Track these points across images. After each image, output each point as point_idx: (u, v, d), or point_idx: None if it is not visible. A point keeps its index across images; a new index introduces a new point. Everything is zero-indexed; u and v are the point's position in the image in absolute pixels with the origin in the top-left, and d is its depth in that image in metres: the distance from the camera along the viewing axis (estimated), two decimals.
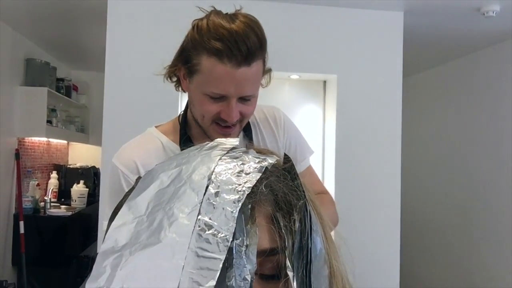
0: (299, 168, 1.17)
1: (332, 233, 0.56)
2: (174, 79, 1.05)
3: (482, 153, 3.29)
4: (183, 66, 0.97)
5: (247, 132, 1.11)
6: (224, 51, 0.86)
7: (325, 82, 2.96)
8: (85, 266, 3.93)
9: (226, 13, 0.91)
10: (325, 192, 1.21)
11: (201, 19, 0.91)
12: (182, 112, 1.11)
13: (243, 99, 0.94)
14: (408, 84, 3.66)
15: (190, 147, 0.95)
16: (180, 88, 1.05)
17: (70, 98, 4.31)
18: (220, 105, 0.94)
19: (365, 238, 2.57)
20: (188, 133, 1.07)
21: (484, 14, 2.62)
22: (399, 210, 2.73)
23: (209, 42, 0.87)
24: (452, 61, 3.76)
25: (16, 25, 3.31)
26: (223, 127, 0.98)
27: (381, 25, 2.79)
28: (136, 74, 2.57)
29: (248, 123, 1.10)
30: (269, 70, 1.01)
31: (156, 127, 1.13)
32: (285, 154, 0.51)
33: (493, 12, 2.58)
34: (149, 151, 1.05)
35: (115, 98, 2.55)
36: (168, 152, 1.05)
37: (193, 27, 0.93)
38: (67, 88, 4.26)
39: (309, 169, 1.21)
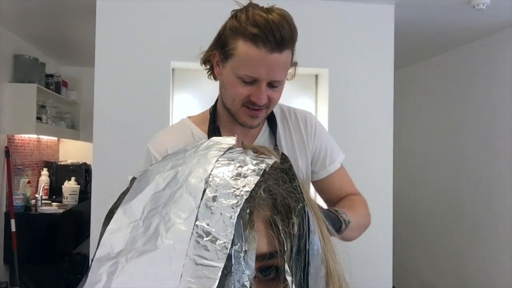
0: (328, 170, 1.20)
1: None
2: (208, 66, 1.11)
3: (474, 145, 3.32)
4: (218, 51, 1.04)
5: (272, 126, 1.16)
6: (260, 36, 0.94)
7: (317, 76, 2.95)
8: (78, 263, 3.90)
9: (263, 6, 1.00)
10: (356, 194, 1.22)
11: (240, 10, 1.00)
12: (213, 104, 1.18)
13: (271, 85, 1.01)
14: (400, 77, 3.67)
15: (218, 134, 0.95)
16: (211, 76, 1.12)
17: (59, 94, 4.26)
18: (250, 89, 1.00)
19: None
20: (217, 122, 1.14)
21: (474, 6, 2.62)
22: (391, 202, 2.75)
23: (246, 29, 0.95)
24: (443, 53, 3.77)
25: (4, 21, 3.26)
26: (251, 110, 1.04)
27: (372, 18, 2.78)
28: (126, 69, 2.55)
29: (275, 118, 1.16)
30: (295, 64, 1.09)
31: (189, 117, 1.20)
32: (282, 154, 0.51)
33: (484, 4, 2.59)
34: (180, 139, 1.11)
35: (105, 94, 2.53)
36: (197, 141, 1.09)
37: (232, 16, 1.01)
38: (56, 84, 4.21)
39: (340, 172, 1.23)
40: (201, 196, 0.41)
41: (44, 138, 4.39)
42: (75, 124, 4.77)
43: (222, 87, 1.09)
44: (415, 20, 3.01)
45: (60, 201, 3.96)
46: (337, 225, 0.96)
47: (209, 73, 1.12)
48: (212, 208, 0.40)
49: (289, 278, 0.40)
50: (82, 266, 3.87)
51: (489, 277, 3.04)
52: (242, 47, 0.96)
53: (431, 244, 3.83)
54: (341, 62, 2.76)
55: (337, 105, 2.75)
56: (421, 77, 4.13)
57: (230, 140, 0.51)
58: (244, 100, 1.02)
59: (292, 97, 2.93)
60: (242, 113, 1.05)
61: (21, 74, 3.63)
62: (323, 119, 2.81)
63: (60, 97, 4.30)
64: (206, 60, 1.10)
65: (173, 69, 2.64)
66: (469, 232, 3.31)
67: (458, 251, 3.43)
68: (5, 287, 3.35)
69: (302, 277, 0.42)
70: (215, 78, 1.11)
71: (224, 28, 1.02)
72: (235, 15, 1.00)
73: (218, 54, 1.04)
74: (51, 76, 4.14)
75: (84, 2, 2.74)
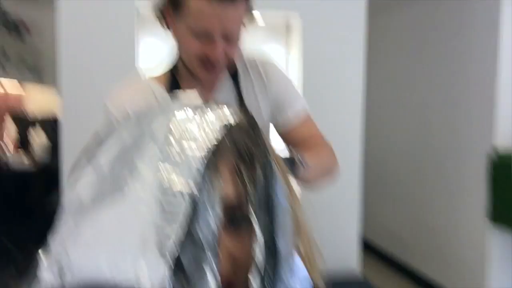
0: (290, 118, 1.18)
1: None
2: (162, 21, 1.06)
3: (443, 98, 3.36)
4: (169, 3, 0.99)
5: (234, 76, 1.14)
6: None
7: (287, 26, 2.89)
8: (49, 217, 3.89)
9: None
10: (322, 140, 1.20)
11: None
12: (172, 61, 1.14)
13: (227, 39, 0.98)
14: (374, 26, 3.63)
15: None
16: (165, 26, 1.07)
17: (20, 37, 4.01)
18: (204, 43, 0.97)
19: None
20: (177, 77, 1.11)
21: None
22: (360, 153, 2.79)
23: None
24: (416, 2, 3.71)
25: None
26: (208, 66, 1.01)
27: None
28: (90, 11, 2.42)
29: (236, 69, 1.14)
30: (252, 10, 1.04)
31: (151, 76, 1.16)
32: (243, 107, 0.51)
33: None
34: (138, 94, 1.09)
35: (69, 38, 2.41)
36: (157, 96, 1.09)
37: None
38: (16, 27, 3.94)
39: (305, 121, 1.20)
40: (164, 142, 0.41)
41: (7, 86, 4.21)
42: (39, 70, 4.50)
43: (177, 43, 1.06)
44: None
45: (30, 155, 3.89)
46: (294, 167, 0.96)
47: (162, 24, 1.08)
48: (176, 154, 0.40)
49: (254, 222, 0.42)
50: (54, 218, 3.85)
51: (453, 227, 3.18)
52: (193, 0, 0.93)
53: (398, 195, 3.95)
54: (312, 6, 2.69)
55: (308, 54, 2.72)
56: (394, 27, 4.09)
57: (192, 94, 0.51)
58: (200, 56, 1.00)
59: (263, 44, 2.88)
60: (199, 69, 1.03)
61: None
62: (294, 67, 2.80)
63: (21, 41, 4.04)
64: (158, 14, 1.05)
65: (139, 13, 2.52)
66: (435, 184, 3.42)
67: (424, 202, 3.55)
68: None
69: (269, 223, 0.43)
70: (158, 20, 1.07)
71: None
72: None
73: (169, 7, 1.01)
74: (10, 17, 3.85)
75: None
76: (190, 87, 1.09)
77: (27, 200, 3.58)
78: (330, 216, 2.70)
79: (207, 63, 1.01)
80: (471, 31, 3.03)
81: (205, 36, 0.96)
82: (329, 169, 1.15)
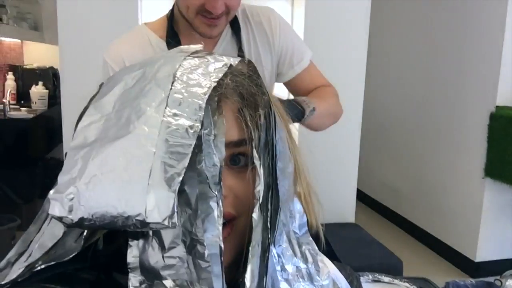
0: (296, 70, 1.19)
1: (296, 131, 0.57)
2: None
3: (447, 54, 3.34)
4: None
5: (236, 30, 1.12)
6: None
7: None
8: (52, 167, 3.93)
9: None
10: (326, 85, 1.22)
11: None
12: (170, 9, 1.12)
13: None
14: None
15: (176, 42, 0.94)
16: None
17: None
18: None
19: (324, 132, 2.66)
20: (175, 28, 1.09)
21: None
22: (361, 106, 2.80)
23: None
24: None
25: None
26: (208, 19, 0.99)
27: None
28: None
29: (238, 21, 1.11)
30: None
31: (145, 24, 1.15)
32: (246, 59, 0.52)
33: None
34: (136, 46, 1.08)
35: None
36: (155, 47, 1.08)
37: None
38: None
39: (309, 69, 1.21)
40: (170, 87, 0.42)
41: (6, 40, 4.16)
42: (38, 25, 4.49)
43: None
44: None
45: (29, 106, 3.88)
46: (299, 113, 0.98)
47: None
48: (181, 97, 0.41)
49: (257, 163, 0.43)
50: (56, 169, 3.89)
51: (450, 181, 3.24)
52: None
53: (396, 149, 4.00)
54: None
55: (313, 5, 2.67)
56: None
57: (197, 46, 0.51)
58: (199, 9, 0.97)
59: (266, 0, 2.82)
60: (198, 23, 1.01)
61: None
62: (299, 20, 2.75)
63: None
64: None
65: None
66: (433, 139, 3.46)
67: (421, 157, 3.61)
68: None
69: (270, 166, 0.45)
70: None
71: None
72: None
73: None
74: None
75: None
76: (190, 39, 1.07)
77: (29, 152, 3.60)
78: (329, 164, 2.73)
79: (207, 17, 0.98)
80: None
81: None
82: (335, 114, 1.18)
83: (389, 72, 4.15)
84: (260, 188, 0.43)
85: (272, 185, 0.44)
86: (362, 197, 4.23)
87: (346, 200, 2.89)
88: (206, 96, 0.41)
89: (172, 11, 1.11)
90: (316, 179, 0.58)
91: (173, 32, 1.08)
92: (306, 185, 0.53)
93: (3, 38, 4.02)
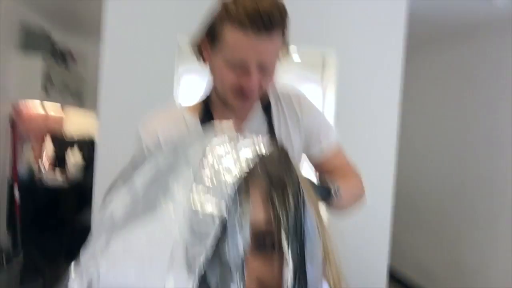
0: (322, 150, 1.20)
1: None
2: (198, 54, 1.10)
3: (478, 134, 3.31)
4: (207, 37, 1.03)
5: (266, 106, 1.15)
6: (247, 19, 0.93)
7: (323, 62, 2.92)
8: (80, 232, 3.96)
9: None
10: (352, 174, 1.20)
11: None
12: (205, 90, 1.16)
13: (262, 70, 0.99)
14: (411, 64, 3.63)
15: (209, 119, 0.95)
16: (202, 60, 1.10)
17: (66, 65, 4.26)
18: (240, 74, 0.99)
19: (355, 213, 2.59)
20: (210, 109, 1.13)
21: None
22: (392, 183, 2.73)
23: (234, 12, 0.94)
24: (457, 45, 3.72)
25: None
26: (243, 96, 1.02)
27: (384, 3, 2.73)
28: (133, 42, 2.54)
29: (269, 100, 1.15)
30: (288, 44, 1.06)
31: (182, 106, 1.19)
32: (275, 139, 0.52)
33: None
34: (171, 124, 1.10)
35: (111, 67, 2.52)
36: (189, 126, 1.10)
37: (220, 5, 0.99)
38: (62, 56, 4.21)
39: (336, 153, 1.21)
40: (198, 169, 0.42)
41: (49, 109, 4.41)
42: (80, 96, 4.77)
43: (212, 73, 1.08)
44: (428, 5, 2.96)
45: (64, 172, 4.00)
46: (325, 192, 0.96)
47: (199, 57, 1.11)
48: (209, 176, 0.41)
49: (285, 249, 0.41)
50: (84, 235, 3.91)
51: (485, 265, 3.07)
52: (230, 31, 0.95)
53: (430, 229, 3.86)
54: (349, 43, 2.71)
55: (344, 89, 2.72)
56: (432, 67, 4.08)
57: (226, 124, 0.52)
58: (235, 86, 1.01)
59: (299, 83, 2.91)
60: (233, 99, 1.04)
61: (28, 43, 3.63)
62: (330, 104, 2.80)
63: (66, 68, 4.29)
64: (195, 48, 1.09)
65: (179, 47, 2.62)
66: (468, 219, 3.34)
67: (456, 237, 3.46)
68: (8, 253, 3.41)
69: (298, 251, 0.43)
70: (204, 61, 1.10)
71: (212, 14, 1.02)
72: (223, 3, 0.98)
73: (206, 41, 1.04)
74: (58, 47, 4.13)
75: None
76: (223, 117, 1.10)
77: (58, 216, 3.66)
78: (359, 246, 2.64)
79: (242, 94, 1.02)
80: (507, 71, 2.99)
81: (241, 67, 0.98)
82: (359, 197, 1.16)
83: (422, 150, 4.11)
84: (287, 273, 0.41)
85: (299, 270, 0.42)
86: (394, 279, 4.03)
87: (377, 282, 2.76)
88: (234, 178, 0.40)
89: (207, 93, 1.15)
90: (346, 261, 0.55)
91: (208, 111, 1.12)
92: (335, 269, 0.51)
93: (47, 109, 4.26)
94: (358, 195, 1.16)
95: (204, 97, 1.16)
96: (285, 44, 1.05)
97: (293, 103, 1.18)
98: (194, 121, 1.11)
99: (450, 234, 3.57)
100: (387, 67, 2.76)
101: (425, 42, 3.92)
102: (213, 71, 1.06)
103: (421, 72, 4.19)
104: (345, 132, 2.71)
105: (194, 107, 1.16)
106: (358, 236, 2.65)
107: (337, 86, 2.72)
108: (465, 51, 3.58)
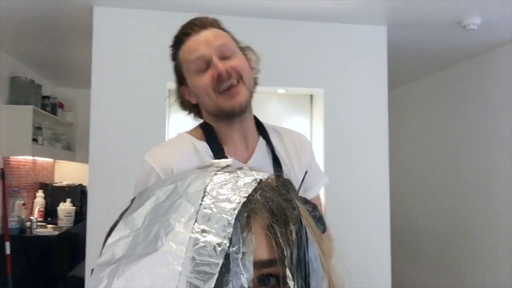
0: (312, 193, 1.22)
1: None
2: (187, 108, 1.18)
3: (469, 163, 3.34)
4: (179, 83, 1.12)
5: (267, 140, 1.16)
6: (186, 29, 1.06)
7: (311, 96, 2.98)
8: (73, 285, 3.85)
9: None
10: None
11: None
12: (200, 124, 1.18)
13: (223, 57, 1.04)
14: (394, 95, 3.71)
15: (219, 145, 0.96)
16: (194, 113, 1.17)
17: (55, 115, 4.28)
18: (209, 72, 1.03)
19: (355, 246, 2.57)
20: (211, 130, 1.13)
21: (465, 27, 2.68)
22: (388, 219, 2.74)
23: (178, 36, 1.08)
24: (436, 72, 3.83)
25: (1, 43, 3.29)
26: (227, 91, 1.03)
27: (366, 39, 2.83)
28: (122, 91, 2.57)
29: (266, 130, 1.17)
30: (247, 47, 1.13)
31: (186, 132, 1.18)
32: (281, 170, 0.52)
33: (474, 25, 2.64)
34: (184, 155, 1.08)
35: (101, 115, 2.54)
36: (201, 154, 1.08)
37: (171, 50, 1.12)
38: (52, 106, 4.23)
39: (318, 196, 1.25)
40: (199, 203, 0.42)
41: (40, 159, 4.38)
42: (71, 145, 4.76)
43: (197, 98, 1.10)
44: (407, 41, 3.07)
45: (56, 223, 3.93)
46: (324, 226, 0.95)
47: (189, 110, 1.17)
48: (210, 212, 0.41)
49: (291, 283, 0.41)
50: (76, 283, 3.81)
51: None
52: (182, 50, 1.07)
53: (430, 257, 3.81)
54: (335, 82, 2.79)
55: (332, 124, 2.77)
56: (415, 96, 4.17)
57: (228, 161, 0.52)
58: (213, 85, 1.03)
59: (287, 117, 2.95)
60: (222, 102, 1.04)
61: (18, 96, 3.65)
62: (318, 138, 2.83)
63: (56, 118, 4.31)
64: (181, 101, 1.16)
65: (169, 90, 2.65)
66: (466, 249, 3.31)
67: (455, 268, 3.41)
68: None
69: (303, 285, 0.42)
70: (184, 108, 1.17)
71: (174, 67, 1.12)
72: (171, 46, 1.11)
73: (181, 85, 1.12)
74: (47, 97, 4.16)
75: (80, 25, 2.77)
76: (226, 135, 1.10)
77: (51, 269, 3.56)
78: (362, 277, 2.60)
79: (220, 85, 1.03)
80: (494, 94, 3.05)
81: (206, 66, 1.03)
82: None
83: (415, 182, 4.12)
84: None
85: None
86: None
87: None
88: (236, 212, 0.40)
89: (204, 122, 1.15)
90: None
91: (210, 133, 1.11)
92: None
93: (37, 158, 4.23)
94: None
95: (202, 123, 1.16)
96: (243, 48, 1.11)
97: (295, 143, 1.21)
98: (203, 146, 1.09)
99: (449, 266, 3.53)
100: (373, 103, 2.83)
101: (405, 74, 4.02)
102: (196, 94, 1.08)
103: (405, 102, 4.27)
104: (332, 164, 2.73)
105: (197, 134, 1.14)
106: (359, 272, 2.61)
107: (324, 120, 2.77)
108: (445, 77, 3.67)
